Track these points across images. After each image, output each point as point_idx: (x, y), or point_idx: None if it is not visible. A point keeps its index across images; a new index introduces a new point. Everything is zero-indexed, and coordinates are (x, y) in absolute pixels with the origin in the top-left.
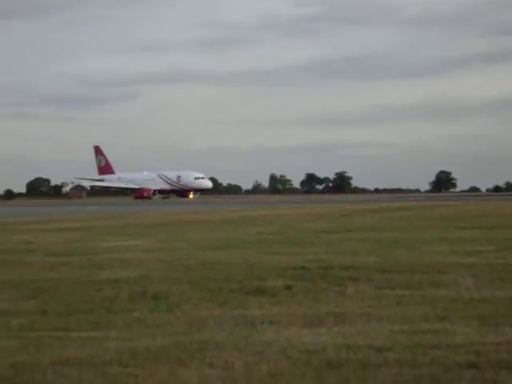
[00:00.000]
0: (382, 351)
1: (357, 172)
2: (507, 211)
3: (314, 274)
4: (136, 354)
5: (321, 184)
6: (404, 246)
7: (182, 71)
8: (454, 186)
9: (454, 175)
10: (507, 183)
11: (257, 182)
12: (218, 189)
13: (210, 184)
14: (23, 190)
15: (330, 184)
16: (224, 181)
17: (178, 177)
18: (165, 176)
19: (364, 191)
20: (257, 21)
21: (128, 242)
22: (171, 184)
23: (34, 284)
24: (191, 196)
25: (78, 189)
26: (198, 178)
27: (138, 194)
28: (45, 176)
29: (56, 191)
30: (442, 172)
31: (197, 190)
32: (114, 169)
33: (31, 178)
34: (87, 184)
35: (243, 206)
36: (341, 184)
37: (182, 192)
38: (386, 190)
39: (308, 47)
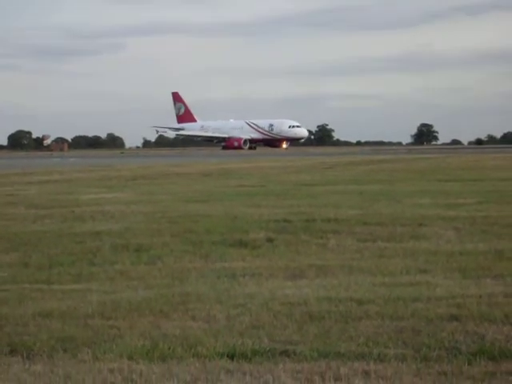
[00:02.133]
0: (364, 304)
1: (339, 124)
2: (488, 164)
3: (296, 226)
4: (118, 307)
5: None
6: (386, 198)
7: (163, 23)
8: (436, 138)
9: (435, 128)
10: (489, 136)
11: None
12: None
13: (306, 133)
14: (4, 142)
15: (312, 136)
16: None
17: (271, 125)
18: (254, 124)
19: (346, 144)
20: None
21: (110, 195)
22: (262, 133)
23: (15, 237)
24: (284, 146)
25: (59, 141)
26: (293, 127)
27: (229, 143)
28: (26, 129)
29: (37, 144)
30: (423, 125)
31: (290, 140)
32: (196, 117)
33: (13, 130)
34: (169, 134)
35: (224, 158)
36: (322, 136)
37: (272, 141)
38: (367, 143)
39: None
